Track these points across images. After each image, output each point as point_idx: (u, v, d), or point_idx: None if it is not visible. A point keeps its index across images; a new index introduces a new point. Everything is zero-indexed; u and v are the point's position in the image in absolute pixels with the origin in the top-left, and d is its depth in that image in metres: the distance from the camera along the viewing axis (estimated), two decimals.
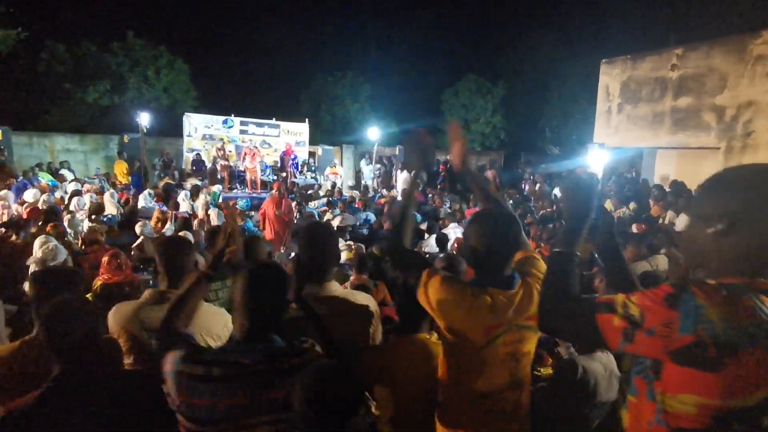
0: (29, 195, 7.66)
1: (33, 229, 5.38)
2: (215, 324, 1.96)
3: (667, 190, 8.73)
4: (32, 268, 4.22)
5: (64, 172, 12.51)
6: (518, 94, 23.26)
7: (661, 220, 7.31)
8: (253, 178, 13.04)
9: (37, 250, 4.01)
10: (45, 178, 11.43)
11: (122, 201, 8.20)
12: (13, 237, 5.00)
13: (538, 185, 10.67)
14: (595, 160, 9.16)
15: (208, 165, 13.93)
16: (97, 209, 6.39)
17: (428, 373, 1.72)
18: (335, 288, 1.86)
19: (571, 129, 22.31)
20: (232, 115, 15.20)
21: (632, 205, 8.00)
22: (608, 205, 7.80)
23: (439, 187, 13.48)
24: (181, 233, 5.15)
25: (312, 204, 9.51)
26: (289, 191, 11.75)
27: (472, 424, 1.59)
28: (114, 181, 12.15)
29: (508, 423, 1.63)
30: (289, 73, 22.36)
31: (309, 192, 11.06)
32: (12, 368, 1.59)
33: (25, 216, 5.62)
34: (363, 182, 15.38)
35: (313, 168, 15.74)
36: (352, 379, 1.21)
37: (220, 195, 10.58)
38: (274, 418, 1.31)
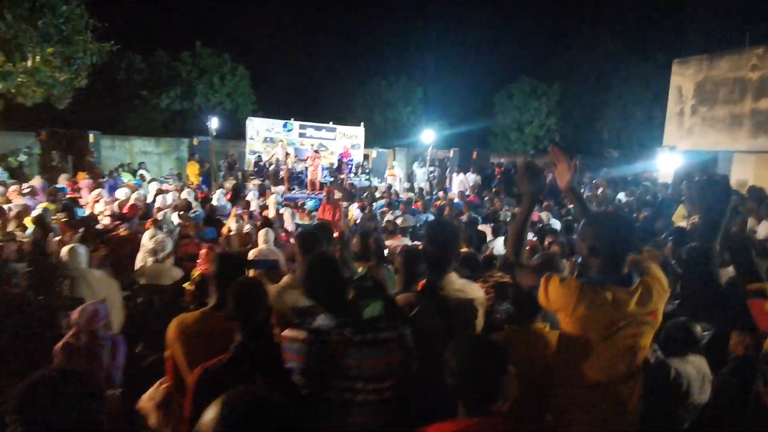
0: (121, 193, 8.42)
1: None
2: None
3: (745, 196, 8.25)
4: (142, 257, 4.72)
5: (142, 172, 13.57)
6: (575, 95, 22.61)
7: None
8: (313, 179, 13.54)
9: (148, 241, 4.47)
10: (127, 178, 12.47)
11: (199, 200, 8.83)
12: (121, 230, 5.58)
13: (600, 189, 10.38)
14: (666, 163, 8.83)
15: (270, 167, 14.60)
16: (185, 207, 6.96)
17: (543, 362, 1.86)
18: (454, 279, 2.04)
19: (631, 131, 21.42)
20: (292, 119, 15.86)
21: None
22: (681, 210, 7.49)
23: (494, 190, 13.40)
24: (263, 230, 5.54)
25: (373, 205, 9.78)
26: (349, 192, 12.13)
27: (585, 412, 1.70)
28: (185, 182, 13.00)
29: (620, 412, 1.74)
30: (343, 78, 22.98)
31: (365, 194, 11.36)
32: (199, 335, 1.89)
33: (125, 212, 6.23)
34: (416, 184, 15.55)
35: (367, 170, 16.09)
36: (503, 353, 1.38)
37: (282, 195, 11.10)
38: (394, 380, 1.56)
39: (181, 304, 4.71)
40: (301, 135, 15.91)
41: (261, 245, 5.40)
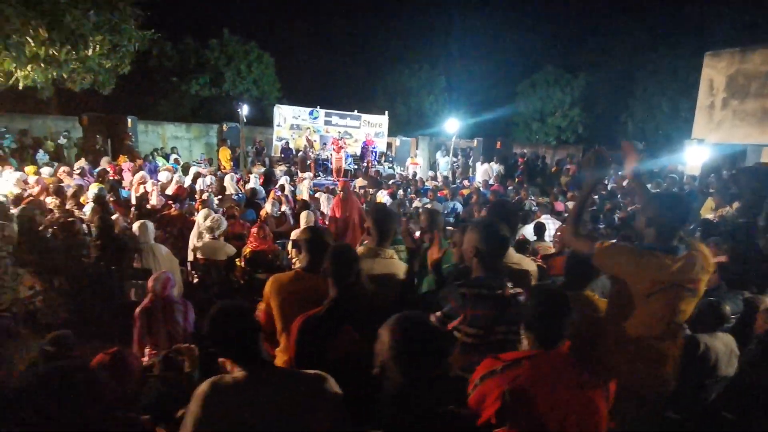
0: (163, 176, 8.86)
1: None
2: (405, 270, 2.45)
3: None
4: (197, 234, 5.09)
5: (176, 156, 14.06)
6: (599, 86, 22.31)
7: None
8: (338, 166, 13.84)
9: (205, 220, 4.83)
10: (160, 162, 12.97)
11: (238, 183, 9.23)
12: (172, 210, 5.98)
13: (626, 181, 10.44)
14: (694, 156, 8.87)
15: (297, 153, 14.94)
16: (223, 189, 7.35)
17: (592, 322, 2.13)
18: (512, 253, 2.33)
19: (656, 124, 21.10)
20: (318, 107, 16.14)
21: (735, 204, 7.70)
22: (709, 203, 7.58)
23: (517, 180, 13.52)
24: (304, 213, 5.87)
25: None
26: (375, 179, 12.40)
27: (627, 363, 1.97)
28: (216, 166, 13.44)
29: (658, 367, 2.01)
30: (366, 66, 23.11)
31: (401, 182, 11.63)
32: (292, 291, 2.22)
33: (174, 192, 6.63)
34: (439, 173, 15.74)
35: (390, 158, 16.32)
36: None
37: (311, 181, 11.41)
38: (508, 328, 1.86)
39: (233, 277, 5.11)
40: (327, 122, 16.20)
41: (303, 226, 5.74)
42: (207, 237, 4.70)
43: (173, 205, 6.04)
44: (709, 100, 9.96)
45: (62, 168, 9.07)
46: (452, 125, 14.67)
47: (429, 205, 8.29)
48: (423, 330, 1.21)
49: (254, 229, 4.93)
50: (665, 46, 20.70)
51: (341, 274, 1.97)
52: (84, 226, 4.84)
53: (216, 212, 5.82)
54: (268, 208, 6.66)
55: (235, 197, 7.24)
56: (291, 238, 5.64)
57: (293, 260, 5.39)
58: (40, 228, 4.76)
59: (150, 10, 9.21)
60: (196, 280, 4.82)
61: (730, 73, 9.44)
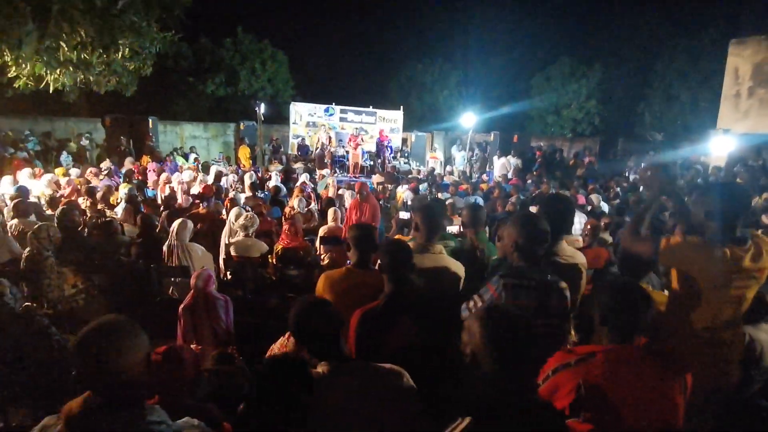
0: (186, 175, 9.00)
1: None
2: (453, 265, 2.48)
3: None
4: (230, 232, 5.19)
5: (194, 156, 14.25)
6: (616, 77, 21.98)
7: None
8: (355, 162, 13.89)
9: (237, 219, 4.91)
10: (180, 161, 13.16)
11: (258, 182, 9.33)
12: (200, 208, 6.08)
13: (649, 173, 10.31)
14: (719, 146, 8.73)
15: (312, 150, 15.03)
16: (254, 186, 7.45)
17: (656, 317, 2.15)
18: (565, 246, 2.35)
19: (675, 114, 20.73)
20: (333, 104, 16.20)
21: (765, 195, 7.58)
22: None
23: (535, 173, 13.43)
24: (331, 209, 5.93)
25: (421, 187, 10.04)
26: (392, 175, 12.44)
27: (693, 354, 1.99)
28: (234, 165, 13.59)
29: (724, 358, 2.03)
30: (379, 62, 23.09)
31: (427, 176, 11.65)
32: (344, 287, 2.28)
33: (202, 191, 6.74)
34: (455, 168, 15.69)
35: (406, 154, 16.32)
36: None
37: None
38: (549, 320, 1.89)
39: (265, 273, 5.19)
40: (342, 119, 16.26)
41: (330, 223, 5.80)
42: (241, 235, 4.78)
43: (201, 204, 6.14)
44: (735, 89, 9.76)
45: (89, 169, 9.27)
46: (468, 119, 14.58)
47: (450, 200, 8.31)
48: (512, 320, 1.25)
49: (286, 226, 5.00)
50: (684, 35, 20.29)
51: (397, 268, 2.01)
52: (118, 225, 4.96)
53: (245, 210, 5.92)
54: (294, 204, 6.74)
55: (264, 195, 7.33)
56: (319, 234, 5.70)
57: (322, 256, 5.46)
58: (80, 228, 4.90)
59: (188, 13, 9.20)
60: (229, 278, 4.90)
61: (757, 61, 9.24)
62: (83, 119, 14.41)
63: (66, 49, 5.53)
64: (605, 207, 7.96)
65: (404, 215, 6.48)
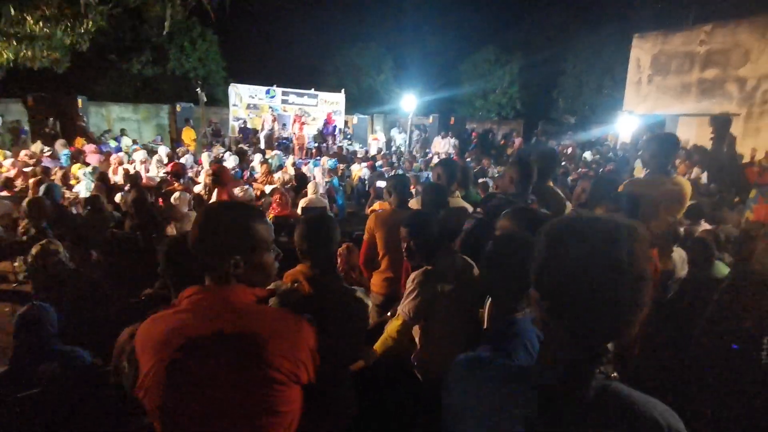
0: (140, 155, 8.73)
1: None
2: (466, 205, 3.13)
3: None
4: None
5: (127, 138, 13.46)
6: (534, 65, 24.03)
7: (687, 176, 8.52)
8: (301, 144, 14.02)
9: (240, 192, 5.14)
10: (113, 144, 12.43)
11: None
12: (176, 185, 6.14)
13: (570, 149, 11.82)
14: (625, 125, 10.29)
15: (256, 132, 14.85)
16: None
17: None
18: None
19: (584, 99, 23.27)
20: (274, 86, 16.04)
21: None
22: (639, 165, 8.99)
23: (473, 152, 14.58)
24: (311, 183, 6.31)
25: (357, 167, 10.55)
26: (341, 155, 12.82)
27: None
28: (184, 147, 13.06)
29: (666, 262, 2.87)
30: (315, 45, 22.92)
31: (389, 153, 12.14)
32: (391, 223, 2.80)
33: (172, 168, 6.74)
34: (396, 149, 16.42)
35: (349, 136, 16.70)
36: None
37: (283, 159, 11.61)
38: None
39: None
40: (284, 101, 16.18)
41: (311, 195, 6.20)
42: None
43: (176, 181, 6.19)
44: (637, 77, 11.48)
45: (23, 152, 8.61)
46: (409, 103, 15.33)
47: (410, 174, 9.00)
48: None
49: (277, 197, 5.32)
50: (589, 29, 22.72)
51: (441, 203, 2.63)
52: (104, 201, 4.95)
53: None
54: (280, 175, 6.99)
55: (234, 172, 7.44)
56: (300, 205, 6.07)
57: None
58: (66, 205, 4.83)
59: None
60: None
61: (655, 53, 10.97)
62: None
63: (31, 21, 5.26)
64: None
65: (381, 184, 7.03)
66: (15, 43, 6.33)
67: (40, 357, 2.21)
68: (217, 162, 7.93)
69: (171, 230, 4.65)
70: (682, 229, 4.18)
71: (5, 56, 6.48)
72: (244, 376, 0.99)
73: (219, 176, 4.95)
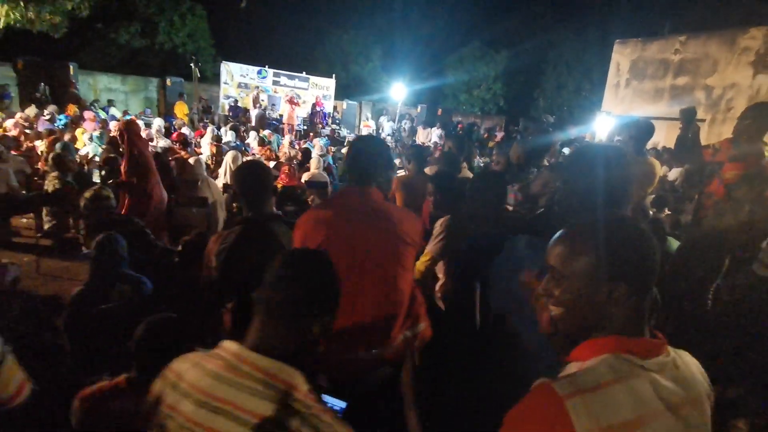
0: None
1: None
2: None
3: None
4: (223, 176, 5.68)
5: (114, 109, 13.36)
6: (517, 64, 24.75)
7: None
8: (291, 124, 14.23)
9: (232, 162, 5.44)
10: (102, 114, 12.37)
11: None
12: (183, 153, 6.38)
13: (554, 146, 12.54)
14: (603, 125, 11.00)
15: (244, 112, 14.95)
16: (218, 139, 7.75)
17: None
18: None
19: (563, 100, 24.19)
20: (266, 66, 16.13)
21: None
22: None
23: None
24: (314, 158, 6.65)
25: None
26: (334, 138, 13.12)
27: None
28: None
29: None
30: (306, 29, 22.87)
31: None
32: (408, 185, 3.23)
33: (175, 138, 6.96)
34: (384, 136, 16.79)
35: (337, 121, 16.98)
36: None
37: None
38: None
39: None
40: (275, 83, 16.30)
41: (313, 170, 6.56)
42: None
43: (181, 150, 6.43)
44: (616, 80, 12.23)
45: (18, 114, 8.61)
46: (398, 91, 15.70)
47: (397, 161, 9.43)
48: None
49: (285, 168, 5.67)
50: (570, 33, 23.58)
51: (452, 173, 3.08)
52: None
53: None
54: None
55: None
56: (303, 179, 6.42)
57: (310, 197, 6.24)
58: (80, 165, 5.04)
59: None
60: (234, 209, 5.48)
61: (633, 59, 11.71)
62: None
63: None
64: None
65: None
66: (22, 4, 6.39)
67: (114, 278, 2.55)
68: (218, 137, 8.17)
69: (194, 193, 4.94)
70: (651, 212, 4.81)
71: (12, 17, 6.53)
72: (389, 233, 1.59)
73: None
